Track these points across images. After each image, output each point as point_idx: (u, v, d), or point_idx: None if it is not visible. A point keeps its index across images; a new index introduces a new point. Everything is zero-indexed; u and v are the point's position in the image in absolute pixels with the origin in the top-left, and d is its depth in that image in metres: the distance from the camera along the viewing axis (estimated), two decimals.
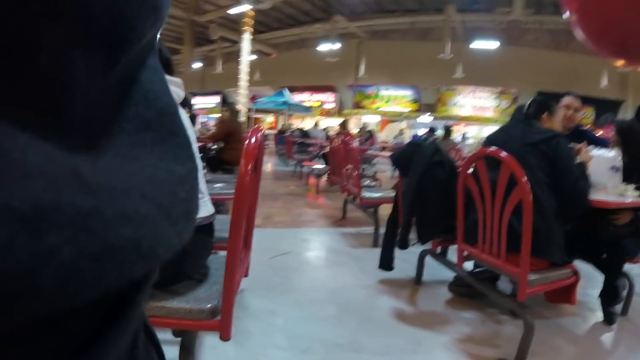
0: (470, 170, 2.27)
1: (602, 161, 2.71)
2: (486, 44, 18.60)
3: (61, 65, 0.19)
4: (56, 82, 0.19)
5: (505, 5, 15.95)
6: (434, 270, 3.04)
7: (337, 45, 19.90)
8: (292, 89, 21.20)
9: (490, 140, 2.46)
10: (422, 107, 21.13)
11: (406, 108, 21.44)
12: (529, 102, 2.55)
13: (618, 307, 2.79)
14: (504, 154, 2.03)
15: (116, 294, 0.21)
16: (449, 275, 2.90)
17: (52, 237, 0.15)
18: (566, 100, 3.30)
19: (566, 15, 5.45)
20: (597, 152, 2.77)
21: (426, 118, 20.09)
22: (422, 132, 12.89)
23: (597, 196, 2.41)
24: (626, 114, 18.83)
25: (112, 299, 0.22)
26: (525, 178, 1.94)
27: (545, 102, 2.52)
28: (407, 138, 15.83)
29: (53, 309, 0.16)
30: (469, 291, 2.74)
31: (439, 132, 9.77)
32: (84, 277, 0.16)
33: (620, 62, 6.75)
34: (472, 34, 18.69)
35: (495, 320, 2.55)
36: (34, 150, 0.15)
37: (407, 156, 2.74)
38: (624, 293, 2.82)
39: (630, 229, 2.76)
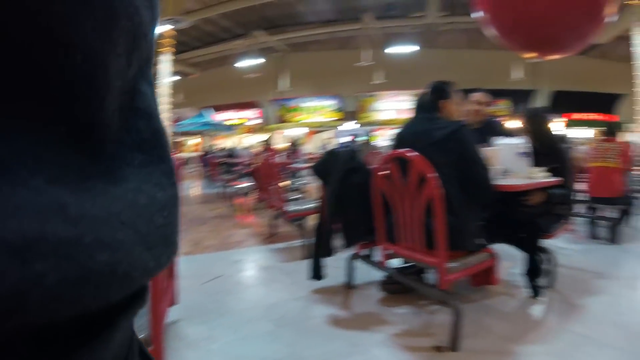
0: (384, 172, 2.34)
1: (509, 148, 2.88)
2: (404, 49, 19.15)
3: (95, 64, 0.20)
4: (91, 84, 0.20)
5: (419, 10, 16.48)
6: (366, 272, 3.09)
7: (259, 60, 19.87)
8: (217, 108, 20.93)
9: (399, 138, 2.55)
10: (346, 115, 21.45)
11: (331, 117, 21.68)
12: (423, 98, 2.65)
13: (543, 281, 2.98)
14: (412, 154, 2.11)
15: (100, 315, 0.22)
16: (380, 275, 2.98)
17: (38, 265, 0.16)
18: (475, 96, 3.50)
19: (477, 14, 5.72)
20: (504, 140, 2.94)
21: (350, 125, 20.40)
22: (345, 139, 13.08)
23: (507, 181, 2.57)
24: (542, 101, 20.09)
25: (95, 319, 0.22)
26: (434, 176, 2.03)
27: (439, 89, 2.62)
28: (332, 147, 16.09)
29: (36, 323, 0.18)
30: (400, 287, 2.82)
31: (362, 138, 9.93)
32: (65, 298, 0.18)
33: (530, 55, 7.16)
34: (391, 39, 19.16)
35: (427, 311, 2.64)
36: (22, 183, 0.17)
37: (325, 165, 2.80)
38: (546, 267, 3.01)
39: (543, 208, 2.97)
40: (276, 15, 18.20)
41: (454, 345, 2.13)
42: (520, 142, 2.92)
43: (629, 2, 12.68)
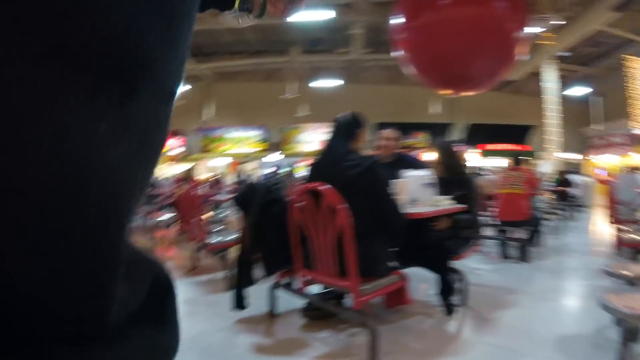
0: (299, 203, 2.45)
1: (416, 180, 3.10)
2: (329, 83, 19.56)
3: None
4: None
5: (344, 46, 16.99)
6: (287, 300, 3.15)
7: (185, 88, 19.59)
8: None
9: (314, 169, 2.69)
10: (271, 146, 21.49)
11: (255, 148, 21.65)
12: (339, 122, 2.81)
13: (456, 300, 3.19)
14: (324, 187, 2.24)
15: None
16: (302, 302, 3.07)
17: None
18: (384, 132, 3.72)
19: (397, 53, 6.03)
20: (412, 173, 3.15)
21: (274, 157, 20.46)
22: (269, 171, 13.10)
23: (416, 209, 2.76)
24: (459, 134, 21.16)
25: None
26: (343, 207, 2.16)
27: (356, 118, 2.81)
28: (256, 178, 16.08)
29: None
30: (321, 313, 2.92)
31: (285, 170, 9.97)
32: None
33: (447, 92, 7.58)
34: (316, 73, 19.55)
35: (348, 333, 2.75)
36: None
37: (246, 197, 2.88)
38: (458, 286, 3.23)
39: (450, 232, 3.21)
40: (204, 43, 18.12)
41: None
42: (426, 174, 3.15)
43: (540, 42, 13.74)
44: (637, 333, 2.00)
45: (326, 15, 11.27)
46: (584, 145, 23.96)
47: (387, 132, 3.71)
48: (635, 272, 2.61)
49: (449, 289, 3.12)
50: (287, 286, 3.00)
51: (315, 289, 3.01)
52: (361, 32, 14.38)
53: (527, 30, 7.70)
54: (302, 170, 15.00)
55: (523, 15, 7.39)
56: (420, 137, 19.94)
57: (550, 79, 14.65)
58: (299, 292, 2.78)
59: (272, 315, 3.05)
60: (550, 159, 14.77)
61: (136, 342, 0.35)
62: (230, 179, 14.07)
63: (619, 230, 3.97)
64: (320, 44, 17.63)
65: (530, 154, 20.96)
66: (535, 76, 21.27)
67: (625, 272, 2.63)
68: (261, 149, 21.49)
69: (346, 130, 2.71)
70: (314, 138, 21.05)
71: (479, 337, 2.74)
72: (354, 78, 20.57)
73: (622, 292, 2.11)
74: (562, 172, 11.74)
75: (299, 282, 2.69)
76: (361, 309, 2.34)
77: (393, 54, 7.64)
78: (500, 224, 5.44)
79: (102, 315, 0.31)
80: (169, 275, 0.41)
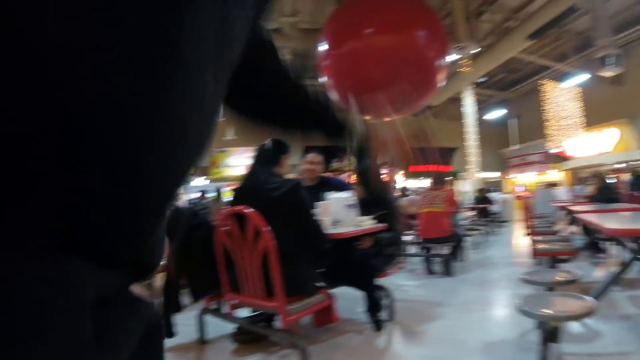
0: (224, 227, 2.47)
1: (339, 201, 3.19)
2: None
3: None
4: None
5: None
6: (218, 325, 3.14)
7: None
8: None
9: (238, 193, 2.72)
10: (197, 171, 21.07)
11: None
12: (267, 145, 2.87)
13: (384, 315, 3.28)
14: (248, 210, 2.28)
15: None
16: (232, 327, 3.05)
17: None
18: (308, 157, 3.80)
19: (322, 79, 6.17)
20: (334, 195, 3.25)
21: (200, 182, 20.10)
22: (195, 196, 12.82)
23: (338, 230, 2.84)
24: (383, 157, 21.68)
25: None
26: (267, 229, 2.21)
27: (280, 143, 2.87)
28: (182, 203, 15.73)
29: None
30: (251, 337, 2.92)
31: (211, 195, 9.80)
32: None
33: (369, 117, 7.74)
34: None
35: (279, 355, 2.77)
36: None
37: (171, 222, 2.85)
38: (384, 302, 3.33)
39: (374, 250, 3.32)
40: None
41: None
42: (348, 195, 3.26)
43: (459, 69, 14.49)
44: (556, 334, 2.14)
45: None
46: (503, 164, 25.40)
47: (311, 156, 3.80)
48: (549, 279, 2.78)
49: (376, 306, 3.21)
50: (216, 311, 2.98)
51: (244, 312, 3.01)
52: (289, 57, 14.57)
53: (446, 58, 8.17)
54: (228, 195, 14.83)
55: (442, 44, 7.84)
56: (348, 161, 20.27)
57: (468, 103, 15.52)
58: (228, 317, 2.77)
59: (202, 342, 3.02)
60: (471, 179, 15.49)
61: None
62: None
63: (534, 241, 4.24)
64: None
65: (452, 174, 22.02)
66: (455, 101, 22.45)
67: (539, 279, 2.80)
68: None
69: (270, 156, 2.77)
70: (240, 162, 20.82)
71: (408, 349, 2.84)
72: None
73: (539, 297, 2.26)
74: (481, 190, 12.36)
75: (227, 307, 2.69)
76: (290, 330, 2.38)
77: (319, 79, 7.85)
78: (422, 241, 5.68)
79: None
80: (152, 312, 0.42)
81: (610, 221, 2.77)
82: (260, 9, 0.42)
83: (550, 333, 2.14)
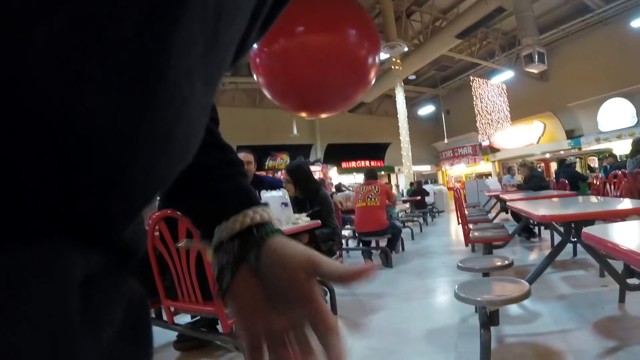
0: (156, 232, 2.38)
1: (274, 200, 3.18)
2: None
3: None
4: None
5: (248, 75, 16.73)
6: (158, 334, 3.02)
7: None
8: None
9: (165, 199, 2.61)
10: None
11: None
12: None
13: None
14: (178, 212, 2.20)
15: None
16: (174, 335, 2.95)
17: None
18: (240, 155, 3.75)
19: (255, 78, 6.10)
20: (268, 194, 3.23)
21: None
22: None
23: None
24: (316, 154, 21.88)
25: None
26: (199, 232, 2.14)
27: None
28: None
29: None
30: (194, 343, 2.86)
31: None
32: None
33: (303, 114, 7.79)
34: None
35: (225, 359, 2.74)
36: None
37: None
38: (325, 298, 3.34)
39: (312, 246, 3.31)
40: None
41: None
42: (282, 194, 3.25)
43: (393, 66, 14.78)
44: (495, 317, 2.22)
45: None
46: (436, 157, 26.25)
47: (242, 155, 3.77)
48: (484, 265, 2.88)
49: None
50: (156, 319, 2.88)
51: (185, 318, 2.93)
52: None
53: (378, 56, 8.32)
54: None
55: (373, 43, 7.96)
56: (282, 159, 20.27)
57: (400, 100, 15.91)
58: (168, 324, 2.68)
59: None
60: (405, 172, 15.88)
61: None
62: None
63: (468, 229, 4.40)
64: None
65: (386, 168, 22.54)
66: (387, 97, 22.96)
67: (475, 265, 2.89)
68: None
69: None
70: None
71: (353, 342, 2.86)
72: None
73: (475, 283, 2.33)
74: (417, 183, 12.70)
75: (166, 314, 2.60)
76: (233, 332, 2.33)
77: (252, 77, 7.78)
78: (360, 235, 5.77)
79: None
80: (137, 292, 0.39)
81: (540, 208, 2.90)
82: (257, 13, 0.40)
83: (489, 317, 2.19)
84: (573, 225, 2.81)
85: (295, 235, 3.12)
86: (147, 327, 0.39)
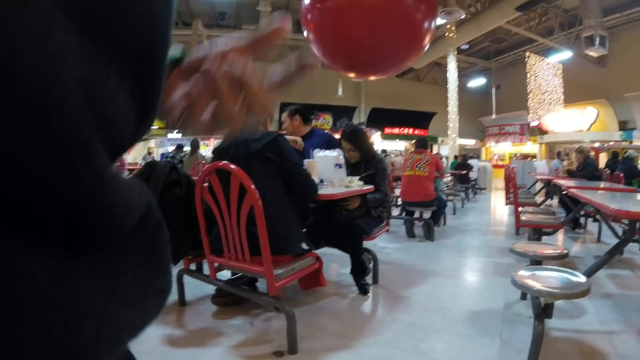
0: (206, 184, 2.30)
1: (327, 160, 3.05)
2: None
3: None
4: None
5: (251, 22, 16.61)
6: (197, 287, 3.03)
7: None
8: None
9: (219, 151, 2.53)
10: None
11: (155, 125, 20.93)
12: None
13: (369, 279, 3.22)
14: (232, 166, 2.11)
15: None
16: (212, 289, 2.92)
17: None
18: (282, 116, 3.67)
19: (305, 34, 5.96)
20: (322, 153, 3.11)
21: (175, 135, 19.75)
22: (170, 149, 12.47)
23: (326, 190, 2.71)
24: (360, 117, 21.66)
25: None
26: (253, 186, 2.05)
27: None
28: (156, 157, 15.50)
29: None
30: (232, 299, 2.80)
31: (187, 149, 9.50)
32: None
33: (351, 75, 7.62)
34: None
35: (262, 319, 2.67)
36: None
37: (145, 178, 2.67)
38: (370, 266, 3.25)
39: (361, 211, 3.21)
40: None
41: (292, 348, 2.19)
42: (337, 154, 3.12)
43: (447, 34, 14.30)
44: (550, 310, 2.10)
45: None
46: (481, 132, 25.63)
47: (283, 116, 3.73)
48: (539, 251, 2.74)
49: (363, 269, 3.14)
50: (195, 272, 2.84)
51: (225, 274, 2.88)
52: (269, 9, 14.15)
53: (434, 21, 7.99)
54: (204, 149, 14.52)
55: (431, 7, 7.63)
56: (325, 119, 20.15)
57: (451, 69, 15.43)
58: (209, 279, 2.63)
59: (181, 304, 2.89)
60: (449, 144, 15.56)
61: (127, 271, 0.30)
62: (129, 158, 13.32)
63: (519, 212, 4.21)
64: (224, 19, 17.18)
65: (430, 138, 22.12)
66: (437, 66, 22.34)
67: (529, 251, 2.76)
68: (160, 126, 20.69)
69: None
70: None
71: (393, 315, 2.77)
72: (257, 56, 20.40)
73: (533, 271, 2.19)
74: (462, 157, 12.37)
75: (209, 269, 2.54)
76: (277, 295, 2.26)
77: (301, 34, 7.62)
78: (404, 204, 5.63)
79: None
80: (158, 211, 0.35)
81: (610, 201, 2.71)
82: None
83: (544, 309, 2.09)
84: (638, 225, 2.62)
85: (345, 198, 3.01)
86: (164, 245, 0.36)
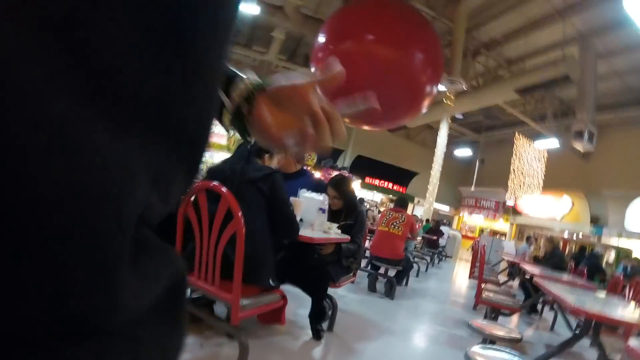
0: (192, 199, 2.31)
1: (313, 202, 3.10)
2: None
3: None
4: None
5: (263, 46, 16.78)
6: None
7: None
8: None
9: (213, 172, 2.55)
10: None
11: None
12: (253, 141, 2.74)
13: (325, 325, 3.22)
14: (223, 189, 2.13)
15: None
16: None
17: None
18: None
19: (312, 69, 6.07)
20: (308, 194, 3.16)
21: None
22: None
23: (305, 232, 2.75)
24: (344, 161, 21.83)
25: None
26: (240, 213, 2.07)
27: (261, 146, 2.75)
28: None
29: None
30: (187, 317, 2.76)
31: None
32: None
33: (346, 120, 7.75)
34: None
35: (213, 343, 2.65)
36: None
37: None
38: (329, 312, 3.26)
39: (333, 258, 3.25)
40: None
41: None
42: (322, 199, 3.17)
43: (445, 100, 14.67)
44: None
45: (252, 9, 11.13)
46: (458, 201, 26.05)
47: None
48: (496, 332, 2.80)
49: (322, 314, 3.15)
50: None
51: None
52: (282, 37, 14.34)
53: (436, 87, 8.22)
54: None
55: (436, 73, 7.86)
56: (310, 155, 20.21)
57: (442, 135, 15.79)
58: None
59: None
60: (425, 207, 15.75)
61: (148, 343, 0.31)
62: None
63: (481, 288, 4.28)
64: (238, 36, 17.33)
65: (409, 198, 22.34)
66: (428, 128, 22.81)
67: (486, 330, 2.81)
68: None
69: (253, 150, 2.64)
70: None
71: None
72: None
73: (486, 351, 2.23)
74: (435, 222, 12.52)
75: None
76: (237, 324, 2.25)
77: (308, 68, 7.77)
78: (372, 258, 5.68)
79: (106, 310, 0.26)
80: (182, 266, 0.36)
81: (571, 296, 2.80)
82: None
83: None
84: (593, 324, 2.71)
85: (323, 243, 3.06)
86: (183, 303, 0.38)
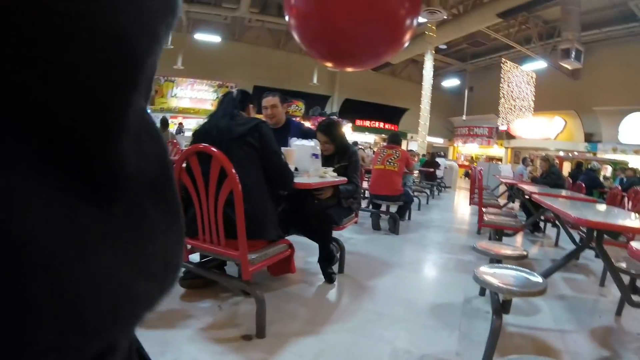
0: (184, 164, 2.31)
1: (305, 149, 3.09)
2: (209, 37, 18.86)
3: None
4: None
5: (232, 2, 16.31)
6: None
7: None
8: None
9: (200, 134, 2.53)
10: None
11: None
12: (235, 92, 2.71)
13: (335, 268, 3.29)
14: (214, 149, 2.13)
15: None
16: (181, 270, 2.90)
17: None
18: (264, 101, 3.64)
19: (286, 18, 5.90)
20: (299, 142, 3.15)
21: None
22: None
23: (301, 179, 2.76)
24: (332, 107, 21.65)
25: None
26: (234, 170, 2.07)
27: (247, 94, 2.73)
28: None
29: None
30: (201, 281, 2.81)
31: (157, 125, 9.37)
32: None
33: (328, 64, 7.57)
34: (196, 25, 18.68)
35: (231, 302, 2.69)
36: None
37: None
38: (338, 255, 3.32)
39: (333, 201, 3.28)
40: None
41: (260, 332, 2.23)
42: (314, 144, 3.17)
43: (427, 32, 14.37)
44: (508, 306, 2.20)
45: None
46: (451, 132, 26.04)
47: (267, 100, 3.67)
48: (500, 251, 2.86)
49: (331, 258, 3.21)
50: None
51: (194, 256, 2.88)
52: None
53: (416, 19, 8.03)
54: (173, 127, 14.21)
55: (414, 4, 7.65)
56: (297, 106, 20.04)
57: (427, 67, 15.60)
58: None
59: None
60: (419, 141, 15.76)
61: (154, 216, 0.28)
62: None
63: (482, 212, 4.35)
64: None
65: (401, 134, 22.34)
66: (413, 62, 22.51)
67: (491, 250, 2.87)
68: None
69: (237, 101, 2.61)
70: (187, 94, 19.95)
71: (358, 304, 2.85)
72: (235, 36, 20.16)
73: (494, 269, 2.29)
74: (430, 155, 12.57)
75: None
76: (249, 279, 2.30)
77: (282, 18, 7.57)
78: (372, 197, 5.74)
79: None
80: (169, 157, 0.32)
81: (571, 209, 2.84)
82: None
83: (502, 305, 2.19)
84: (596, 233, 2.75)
85: (320, 188, 3.08)
86: (174, 188, 0.32)
